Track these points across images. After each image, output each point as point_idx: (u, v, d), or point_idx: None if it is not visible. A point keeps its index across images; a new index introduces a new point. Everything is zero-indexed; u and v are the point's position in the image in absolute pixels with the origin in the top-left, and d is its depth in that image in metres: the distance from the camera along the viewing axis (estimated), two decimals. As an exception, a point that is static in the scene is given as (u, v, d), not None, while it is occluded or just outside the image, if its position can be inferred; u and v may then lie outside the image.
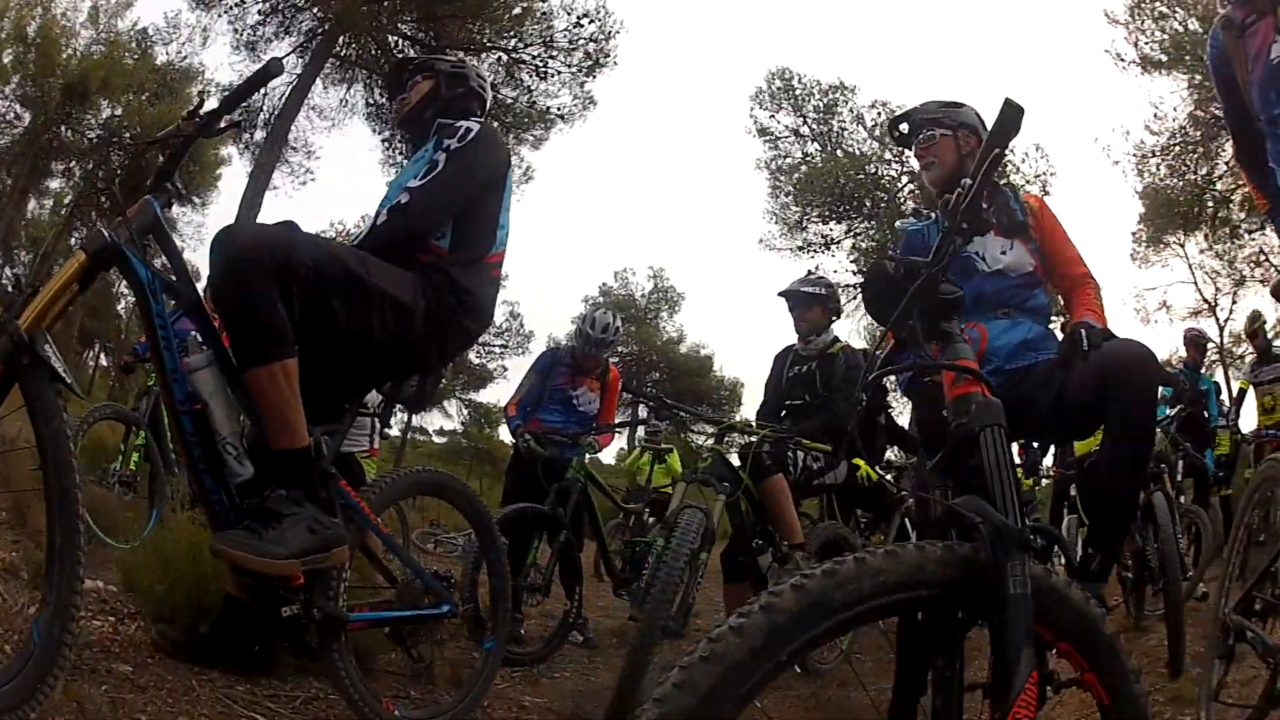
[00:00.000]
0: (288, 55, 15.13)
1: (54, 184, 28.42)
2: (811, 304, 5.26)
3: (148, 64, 25.38)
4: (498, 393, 40.96)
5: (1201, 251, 21.54)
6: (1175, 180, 19.80)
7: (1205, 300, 22.64)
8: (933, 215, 3.56)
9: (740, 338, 72.79)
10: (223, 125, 2.49)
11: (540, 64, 14.00)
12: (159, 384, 2.46)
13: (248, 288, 2.22)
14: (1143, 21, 19.23)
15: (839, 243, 21.68)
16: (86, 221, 28.97)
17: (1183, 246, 21.51)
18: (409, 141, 3.34)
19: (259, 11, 14.77)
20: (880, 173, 21.23)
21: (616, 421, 6.81)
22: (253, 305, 2.23)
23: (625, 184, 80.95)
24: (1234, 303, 22.37)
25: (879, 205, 20.66)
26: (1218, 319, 22.42)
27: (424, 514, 16.44)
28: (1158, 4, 19.10)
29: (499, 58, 14.07)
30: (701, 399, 33.58)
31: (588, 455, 5.53)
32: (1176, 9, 18.87)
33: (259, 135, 15.76)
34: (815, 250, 21.79)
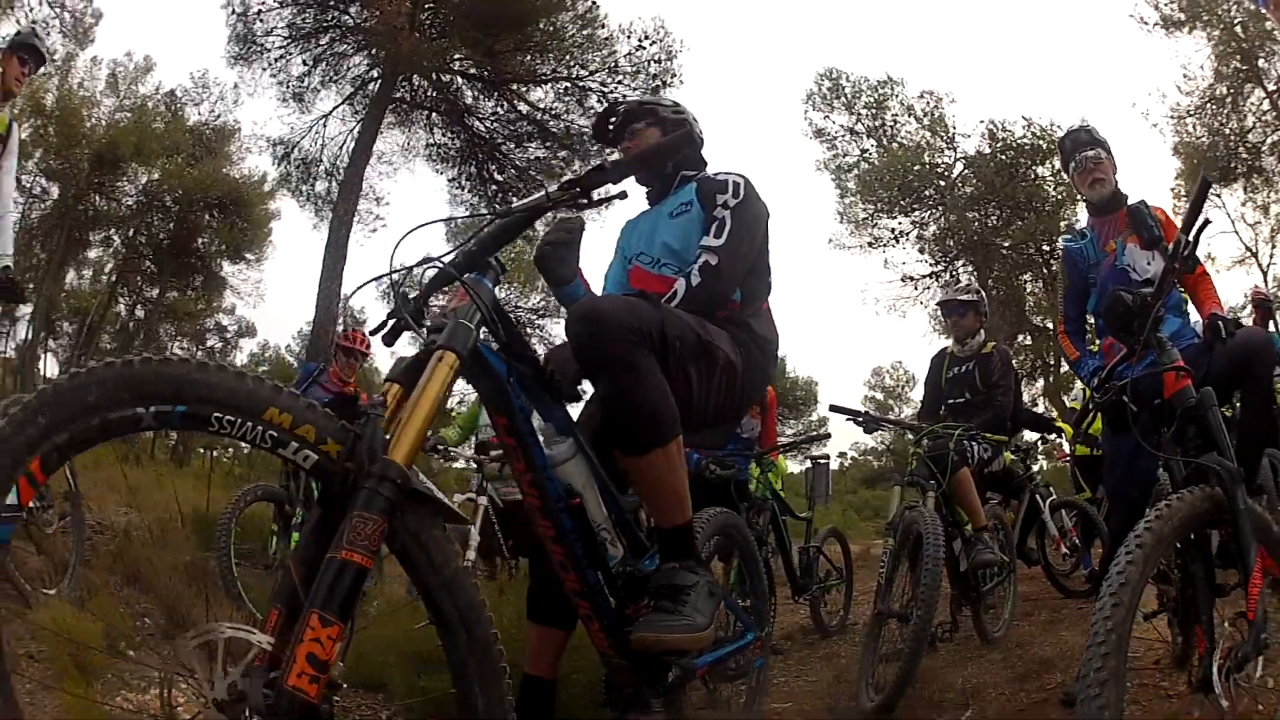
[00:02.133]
0: (339, 105, 14.83)
1: (92, 253, 28.46)
2: (966, 310, 5.82)
3: (180, 126, 25.33)
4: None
5: (1242, 204, 21.57)
6: (1211, 137, 20.02)
7: (1247, 248, 22.55)
8: (1086, 234, 4.13)
9: (811, 337, 73.66)
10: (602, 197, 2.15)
11: (607, 89, 13.71)
12: (521, 486, 2.14)
13: (635, 372, 2.17)
14: None
15: (907, 235, 21.52)
16: (132, 288, 29.02)
17: (1220, 197, 21.21)
18: (652, 190, 3.18)
19: (302, 62, 14.33)
20: (937, 161, 20.97)
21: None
22: (645, 388, 2.18)
23: None
24: (1273, 249, 22.43)
25: (941, 194, 20.38)
26: (1261, 265, 22.37)
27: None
28: None
29: (565, 87, 13.79)
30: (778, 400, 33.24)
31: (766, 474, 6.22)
32: None
33: (319, 186, 15.35)
34: (885, 245, 21.69)
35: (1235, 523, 2.22)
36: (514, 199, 11.64)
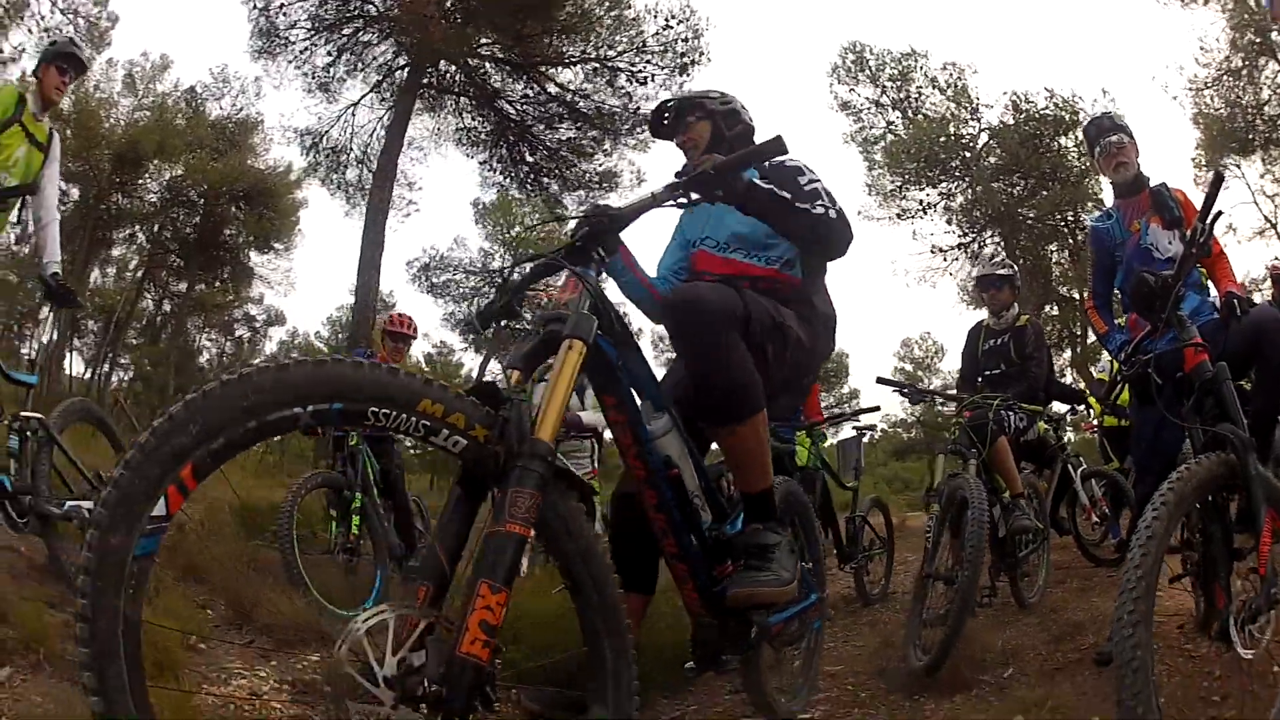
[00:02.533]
0: (366, 94, 14.85)
1: (116, 251, 28.63)
2: (1002, 285, 5.95)
3: (202, 121, 25.45)
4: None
5: (1261, 176, 21.43)
6: (1229, 109, 20.05)
7: (1267, 219, 22.35)
8: (1112, 214, 4.35)
9: (840, 310, 73.73)
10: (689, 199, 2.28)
11: (635, 69, 13.71)
12: (626, 460, 2.29)
13: (728, 352, 2.34)
14: None
15: (934, 206, 21.47)
16: (158, 283, 29.22)
17: (1239, 168, 21.20)
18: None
19: (327, 53, 14.35)
20: (962, 132, 20.90)
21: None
22: (732, 368, 2.36)
23: None
24: None
25: (967, 165, 20.34)
26: None
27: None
28: None
29: (593, 68, 13.79)
30: None
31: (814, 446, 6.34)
32: None
33: (349, 174, 15.41)
34: (913, 216, 21.65)
35: (1248, 487, 2.46)
36: (546, 179, 11.75)
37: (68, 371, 28.79)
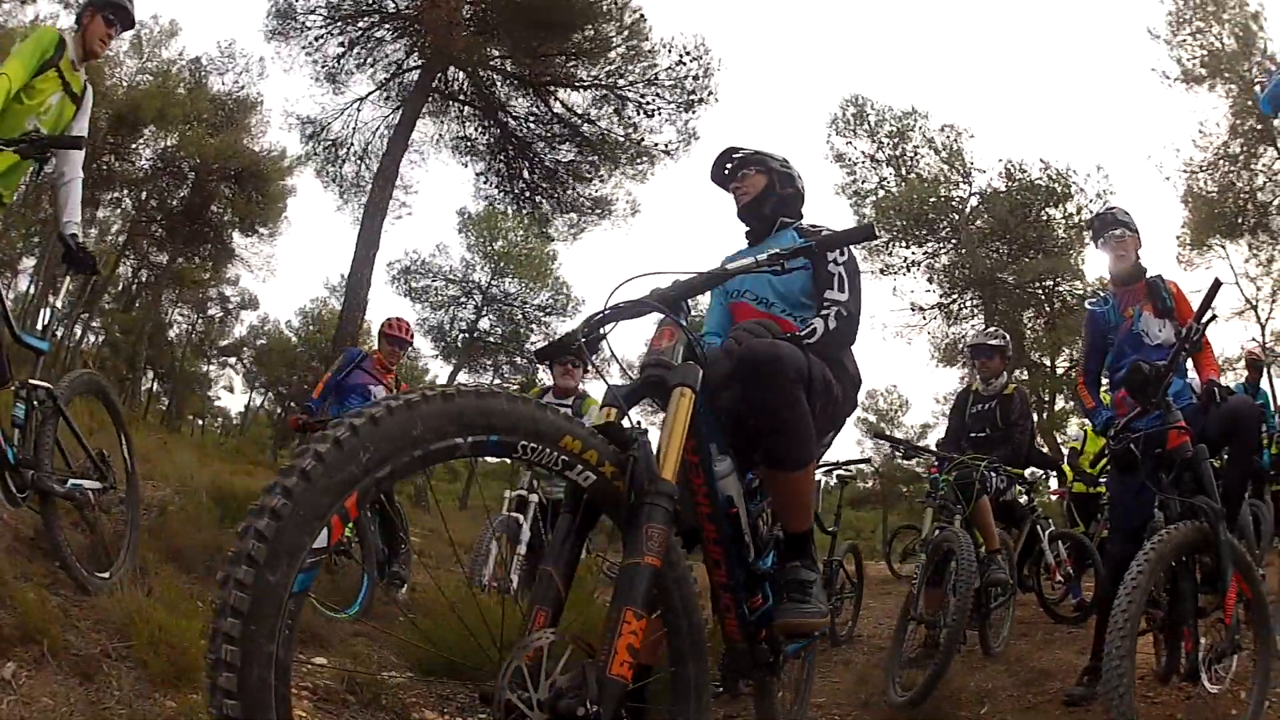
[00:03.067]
0: (372, 92, 14.88)
1: (101, 213, 28.31)
2: (993, 354, 6.36)
3: (203, 94, 25.31)
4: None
5: (1246, 260, 21.76)
6: (1221, 193, 20.41)
7: (1248, 300, 22.61)
8: (1108, 300, 4.77)
9: None
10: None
11: (645, 101, 13.84)
12: (695, 497, 2.40)
13: (798, 405, 2.54)
14: (1182, 37, 19.93)
15: (919, 264, 21.73)
16: (138, 251, 28.94)
17: (1224, 249, 21.68)
18: (752, 231, 3.56)
19: (339, 44, 14.38)
20: (953, 194, 21.19)
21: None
22: (800, 420, 2.56)
23: (694, 210, 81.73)
24: (1273, 304, 22.51)
25: (955, 227, 20.63)
26: (1259, 318, 22.51)
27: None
28: (1195, 20, 19.80)
29: (603, 94, 13.90)
30: None
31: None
32: (1213, 24, 19.56)
33: (346, 169, 15.40)
34: (896, 272, 21.95)
35: (1217, 551, 3.06)
36: (539, 198, 11.79)
37: (39, 325, 28.29)
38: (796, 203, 3.52)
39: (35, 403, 3.82)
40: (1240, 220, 20.44)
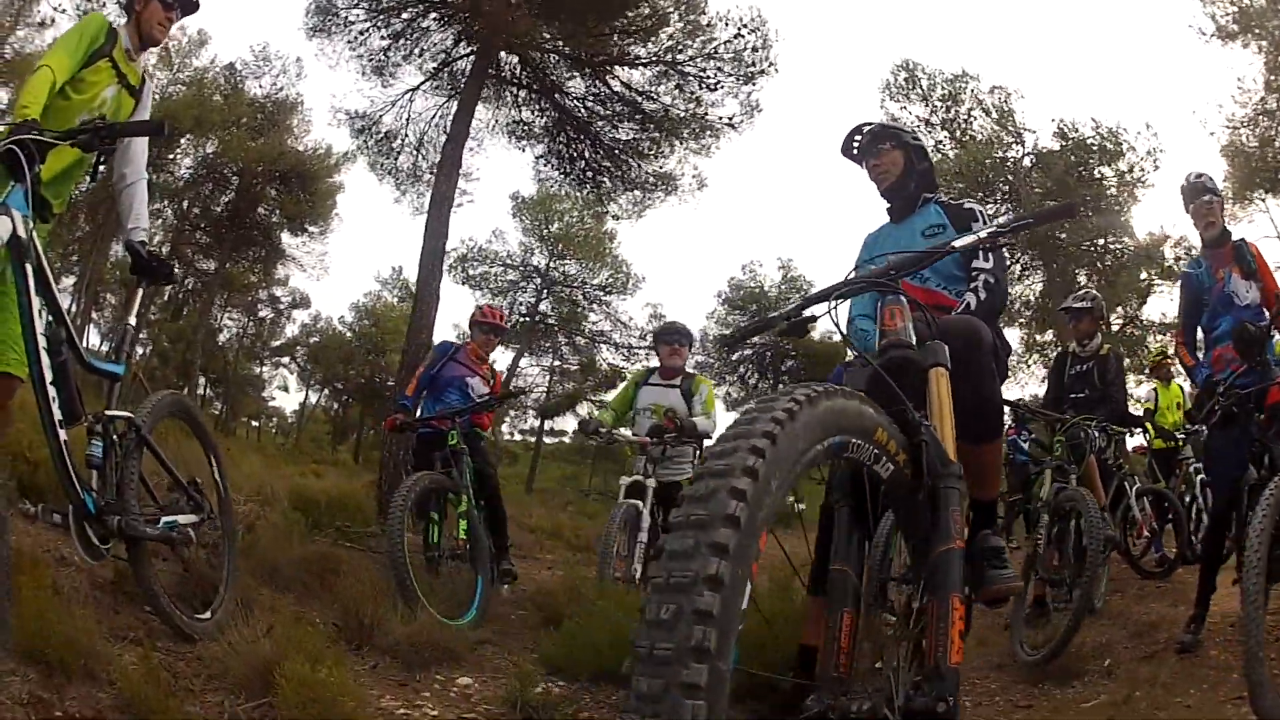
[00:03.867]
0: (423, 83, 14.69)
1: (143, 225, 28.31)
2: (1082, 316, 6.64)
3: (240, 99, 25.30)
4: None
5: (1287, 214, 21.25)
6: (1261, 147, 20.33)
7: None
8: (1200, 263, 5.20)
9: None
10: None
11: (706, 75, 13.59)
12: None
13: (994, 380, 2.71)
14: None
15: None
16: (183, 259, 29.02)
17: (1264, 201, 21.33)
18: (895, 207, 3.63)
19: (382, 36, 14.20)
20: (1006, 155, 20.85)
21: None
22: (996, 390, 2.75)
23: (750, 179, 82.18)
24: None
25: (1013, 188, 20.30)
26: None
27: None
28: None
29: (662, 69, 13.67)
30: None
31: None
32: None
33: (402, 161, 15.25)
34: (957, 237, 21.28)
35: None
36: (601, 177, 11.59)
37: (84, 344, 28.49)
38: (931, 175, 3.61)
39: (115, 436, 3.38)
40: None
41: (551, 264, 30.26)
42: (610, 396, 8.40)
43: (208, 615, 3.65)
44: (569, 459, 42.17)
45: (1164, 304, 22.94)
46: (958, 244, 2.37)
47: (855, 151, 3.63)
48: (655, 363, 6.98)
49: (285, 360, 38.57)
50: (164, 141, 24.17)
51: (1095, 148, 20.88)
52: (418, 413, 6.54)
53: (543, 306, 30.50)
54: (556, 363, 32.11)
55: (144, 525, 3.29)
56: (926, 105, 21.30)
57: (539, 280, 29.92)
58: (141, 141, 3.94)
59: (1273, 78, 19.55)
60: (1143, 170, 20.93)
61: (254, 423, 41.28)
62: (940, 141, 21.53)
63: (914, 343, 2.13)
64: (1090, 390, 6.52)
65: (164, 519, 3.50)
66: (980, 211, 3.43)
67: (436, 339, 10.10)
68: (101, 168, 3.65)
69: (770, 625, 3.74)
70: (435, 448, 6.16)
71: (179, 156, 25.56)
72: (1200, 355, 5.24)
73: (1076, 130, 20.89)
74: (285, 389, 41.35)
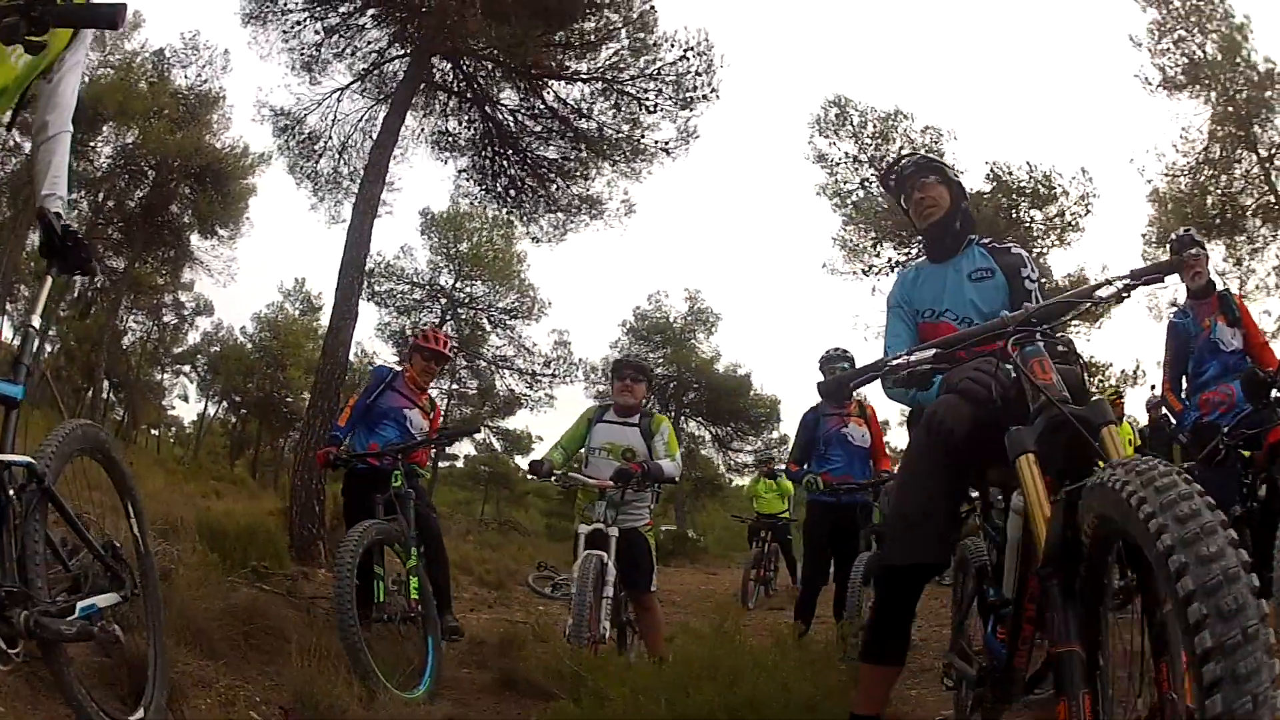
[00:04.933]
0: (352, 83, 14.25)
1: (58, 217, 27.12)
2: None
3: (165, 88, 24.43)
4: (525, 419, 41.40)
5: (1224, 259, 21.89)
6: (1200, 195, 20.83)
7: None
8: (1188, 313, 5.65)
9: (776, 355, 75.46)
10: None
11: (646, 95, 13.37)
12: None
13: None
14: (1164, 45, 20.29)
15: (904, 264, 21.33)
16: (96, 256, 27.79)
17: (1204, 247, 21.57)
18: (939, 248, 3.53)
19: (315, 31, 13.73)
20: (935, 196, 21.05)
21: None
22: None
23: (658, 209, 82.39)
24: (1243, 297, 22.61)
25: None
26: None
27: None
28: (1178, 28, 20.11)
29: (600, 87, 13.41)
30: (740, 416, 33.13)
31: None
32: (1196, 33, 19.97)
33: (323, 164, 14.76)
34: (879, 273, 21.87)
35: None
36: (524, 198, 11.24)
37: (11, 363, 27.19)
38: (971, 215, 3.51)
39: (11, 491, 2.39)
40: (1219, 221, 20.84)
41: (457, 284, 29.72)
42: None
43: (140, 715, 2.92)
44: (461, 484, 41.53)
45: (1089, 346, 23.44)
46: (1102, 294, 2.44)
47: (893, 183, 3.58)
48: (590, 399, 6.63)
49: (186, 368, 37.40)
50: (87, 127, 23.25)
51: (1028, 191, 21.16)
52: (351, 446, 6.05)
53: (446, 328, 30.03)
54: (454, 386, 31.48)
55: (59, 621, 2.41)
56: (856, 143, 21.38)
57: (444, 301, 29.35)
58: (72, 82, 2.85)
59: (1218, 128, 20.05)
60: (1074, 214, 21.27)
61: (154, 431, 39.90)
62: (867, 179, 21.59)
63: (1067, 396, 2.10)
64: None
65: (80, 605, 2.55)
66: (1026, 256, 3.42)
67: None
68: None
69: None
70: (373, 487, 5.52)
71: (99, 145, 24.58)
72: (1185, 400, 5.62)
73: (1010, 173, 21.20)
74: (185, 398, 40.05)
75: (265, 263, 74.88)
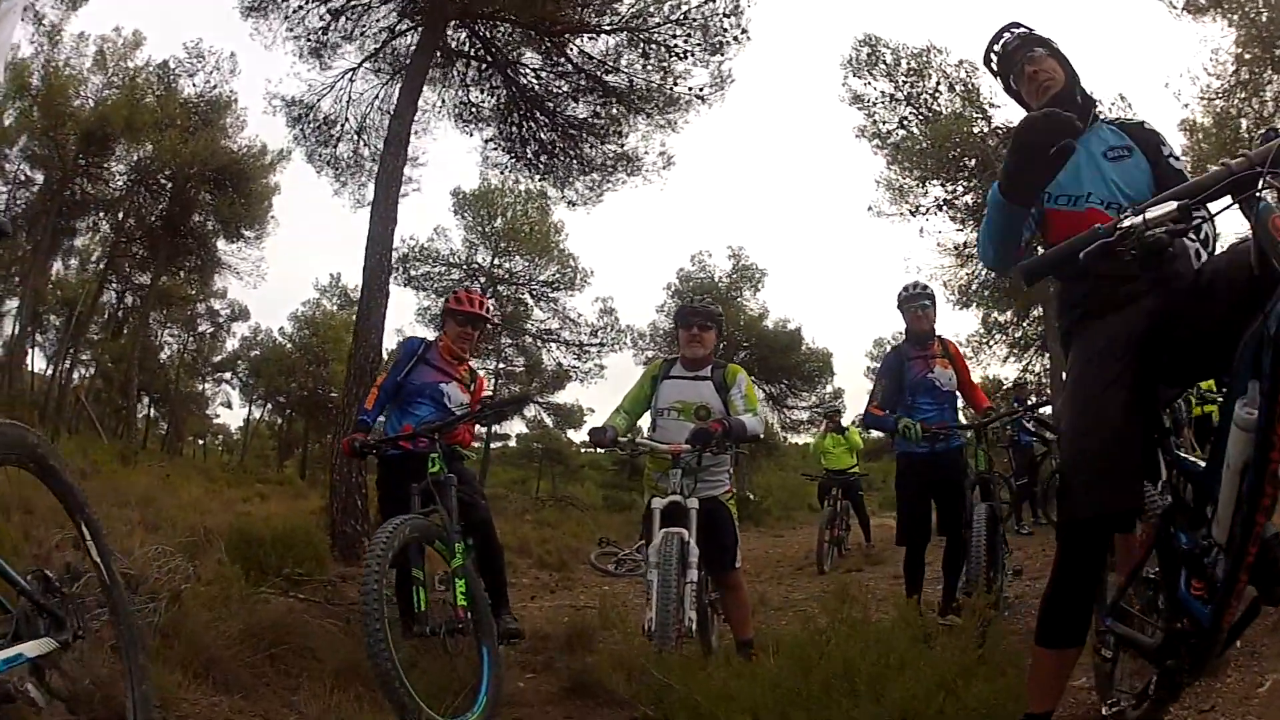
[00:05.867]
0: (363, 62, 13.75)
1: (79, 241, 27.19)
2: None
3: (173, 99, 24.18)
4: (576, 392, 41.04)
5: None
6: (1235, 119, 19.91)
7: None
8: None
9: (826, 307, 74.91)
10: None
11: (675, 43, 12.71)
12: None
13: None
14: None
15: (946, 204, 20.92)
16: (121, 275, 27.72)
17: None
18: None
19: (320, 15, 13.25)
20: (973, 130, 20.24)
21: None
22: None
23: (695, 168, 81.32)
24: None
25: (981, 164, 19.72)
26: None
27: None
28: None
29: (626, 38, 12.78)
30: (792, 373, 32.49)
31: None
32: None
33: (341, 149, 14.29)
34: (927, 212, 21.14)
35: None
36: (556, 161, 10.66)
37: (29, 368, 27.36)
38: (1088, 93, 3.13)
39: None
40: (1252, 141, 19.92)
41: (495, 261, 29.18)
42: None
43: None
44: (514, 462, 41.08)
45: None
46: None
47: (996, 64, 3.22)
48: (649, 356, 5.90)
49: (227, 376, 37.27)
50: (98, 149, 23.02)
51: (1065, 122, 20.36)
52: (384, 430, 5.32)
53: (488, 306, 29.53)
54: (500, 365, 31.03)
55: None
56: (891, 81, 20.61)
57: (484, 279, 28.76)
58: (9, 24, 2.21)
59: (1242, 52, 19.21)
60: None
61: (200, 441, 39.98)
62: (905, 118, 20.87)
63: None
64: None
65: (4, 656, 1.97)
66: (1162, 132, 3.01)
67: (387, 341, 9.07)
68: None
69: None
70: (409, 475, 4.70)
71: (112, 165, 24.38)
72: None
73: (1044, 105, 20.31)
74: (229, 405, 40.03)
75: (297, 261, 74.75)
